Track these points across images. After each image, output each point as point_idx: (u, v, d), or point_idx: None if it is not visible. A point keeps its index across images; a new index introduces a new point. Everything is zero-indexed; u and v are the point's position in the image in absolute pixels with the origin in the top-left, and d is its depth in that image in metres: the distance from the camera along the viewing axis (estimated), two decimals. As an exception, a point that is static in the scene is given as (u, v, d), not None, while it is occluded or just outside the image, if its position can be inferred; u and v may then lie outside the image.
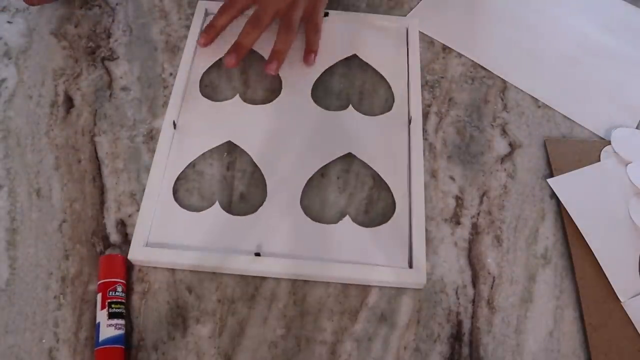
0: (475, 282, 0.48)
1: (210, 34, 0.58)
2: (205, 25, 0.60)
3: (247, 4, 0.59)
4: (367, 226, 0.49)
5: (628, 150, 0.54)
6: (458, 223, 0.51)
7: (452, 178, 0.53)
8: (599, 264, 0.48)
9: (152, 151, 0.53)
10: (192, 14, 0.62)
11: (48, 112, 0.56)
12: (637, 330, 0.45)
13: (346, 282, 0.47)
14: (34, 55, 0.60)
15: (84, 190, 0.51)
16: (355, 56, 0.60)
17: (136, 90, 0.57)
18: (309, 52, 0.58)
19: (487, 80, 0.59)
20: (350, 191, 0.52)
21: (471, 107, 0.57)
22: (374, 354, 0.45)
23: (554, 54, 0.62)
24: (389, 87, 0.58)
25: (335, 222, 0.50)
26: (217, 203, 0.50)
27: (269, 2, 0.57)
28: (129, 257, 0.47)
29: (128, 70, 0.59)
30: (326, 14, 0.61)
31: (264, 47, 0.59)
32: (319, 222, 0.50)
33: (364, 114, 0.56)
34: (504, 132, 0.56)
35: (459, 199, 0.52)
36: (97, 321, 0.44)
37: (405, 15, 0.64)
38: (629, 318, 0.46)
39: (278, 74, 0.58)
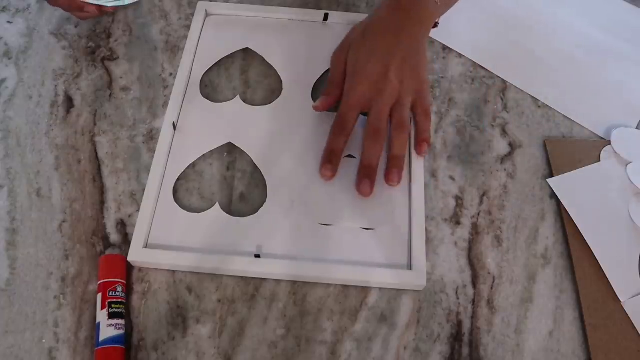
0: (475, 282, 0.48)
1: (335, 163, 0.51)
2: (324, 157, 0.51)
3: (357, 115, 0.52)
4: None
5: (628, 150, 0.54)
6: (458, 223, 0.51)
7: (452, 178, 0.53)
8: (599, 264, 0.48)
9: (152, 151, 0.53)
10: (192, 14, 0.62)
11: (48, 112, 0.56)
12: (637, 330, 0.45)
13: (346, 284, 0.47)
14: (34, 55, 0.60)
15: (84, 190, 0.51)
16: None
17: (136, 90, 0.57)
18: (422, 142, 0.52)
19: (487, 80, 0.59)
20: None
21: (471, 107, 0.57)
22: (374, 354, 0.45)
23: (554, 54, 0.61)
24: (389, 87, 0.58)
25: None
26: (217, 204, 0.50)
27: (381, 107, 0.51)
28: (129, 259, 0.47)
29: (128, 70, 0.59)
30: (326, 15, 0.61)
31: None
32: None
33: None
34: (504, 132, 0.56)
35: (459, 199, 0.52)
36: (97, 321, 0.44)
37: (405, 16, 0.64)
38: (629, 318, 0.46)
39: (279, 75, 0.58)
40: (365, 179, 0.50)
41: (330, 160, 0.51)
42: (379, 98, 0.51)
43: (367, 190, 0.50)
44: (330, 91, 0.54)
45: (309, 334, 0.45)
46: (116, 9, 0.60)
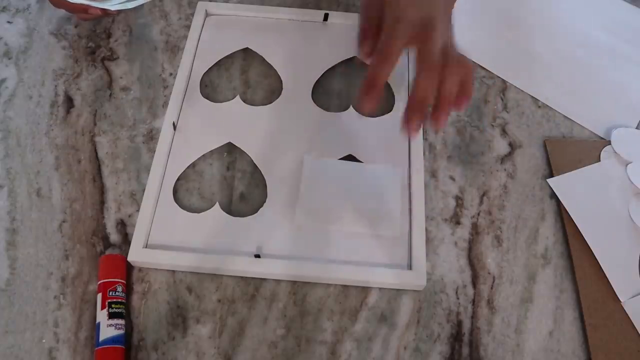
0: (475, 282, 0.48)
1: (377, 93, 0.43)
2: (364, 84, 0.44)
3: (403, 48, 0.43)
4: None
5: (628, 150, 0.54)
6: (458, 223, 0.51)
7: (452, 178, 0.53)
8: (599, 264, 0.48)
9: (152, 151, 0.53)
10: (192, 14, 0.62)
11: (48, 112, 0.56)
12: (637, 330, 0.45)
13: (346, 284, 0.47)
14: (34, 55, 0.60)
15: (84, 190, 0.51)
16: (355, 57, 0.60)
17: (136, 90, 0.57)
18: (463, 97, 0.44)
19: (487, 80, 0.59)
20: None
21: (471, 107, 0.57)
22: (374, 354, 0.45)
23: (554, 54, 0.61)
24: (389, 88, 0.58)
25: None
26: (217, 204, 0.50)
27: (435, 41, 0.43)
28: (129, 259, 0.47)
29: (128, 70, 0.59)
30: (326, 15, 0.61)
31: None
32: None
33: (364, 114, 0.56)
34: (504, 132, 0.56)
35: (459, 199, 0.52)
36: (97, 321, 0.44)
37: (405, 15, 0.64)
38: (629, 318, 0.46)
39: (279, 75, 0.58)
40: (416, 112, 0.42)
41: (370, 91, 0.42)
42: (430, 34, 0.43)
43: (416, 127, 0.42)
44: (367, 35, 0.46)
45: (309, 334, 0.45)
46: (119, 12, 0.60)
